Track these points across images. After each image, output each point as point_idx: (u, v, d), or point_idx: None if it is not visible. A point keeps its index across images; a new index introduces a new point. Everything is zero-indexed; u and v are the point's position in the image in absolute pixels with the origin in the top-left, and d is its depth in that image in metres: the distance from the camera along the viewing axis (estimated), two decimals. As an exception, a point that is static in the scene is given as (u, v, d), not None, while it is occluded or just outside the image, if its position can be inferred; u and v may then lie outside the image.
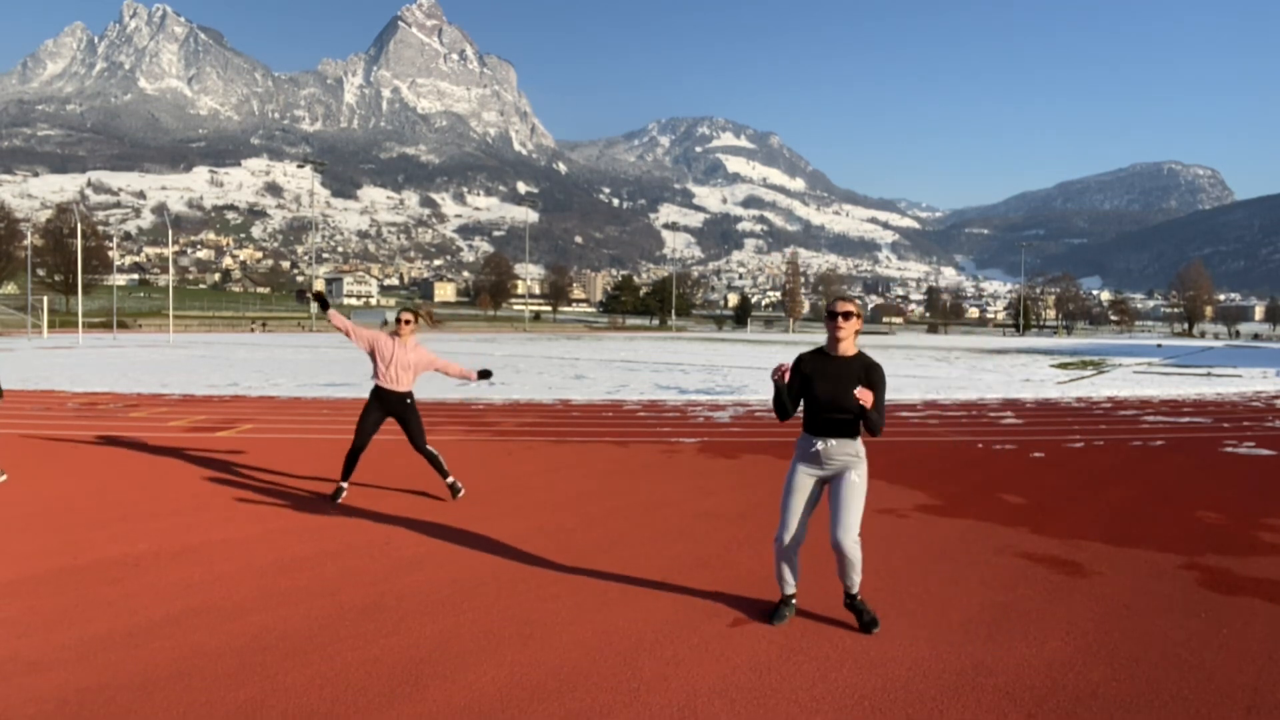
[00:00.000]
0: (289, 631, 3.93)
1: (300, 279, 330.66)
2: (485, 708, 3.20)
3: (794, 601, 4.28)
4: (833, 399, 4.00)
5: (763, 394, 16.40)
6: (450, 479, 6.77)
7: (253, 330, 70.12)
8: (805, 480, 4.17)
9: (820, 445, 4.08)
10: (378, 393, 6.73)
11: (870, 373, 4.02)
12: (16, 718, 3.08)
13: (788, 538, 4.13)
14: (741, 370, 23.91)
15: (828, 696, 3.33)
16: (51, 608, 4.21)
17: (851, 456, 4.08)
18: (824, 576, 4.81)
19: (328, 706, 3.20)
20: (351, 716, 3.13)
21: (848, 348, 4.09)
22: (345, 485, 6.80)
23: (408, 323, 6.72)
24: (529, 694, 3.32)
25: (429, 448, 6.74)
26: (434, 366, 6.77)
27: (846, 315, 4.06)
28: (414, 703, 3.23)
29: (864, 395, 3.85)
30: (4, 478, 7.19)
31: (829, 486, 4.16)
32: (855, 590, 4.17)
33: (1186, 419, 13.13)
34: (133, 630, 3.93)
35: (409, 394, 6.75)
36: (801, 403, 4.18)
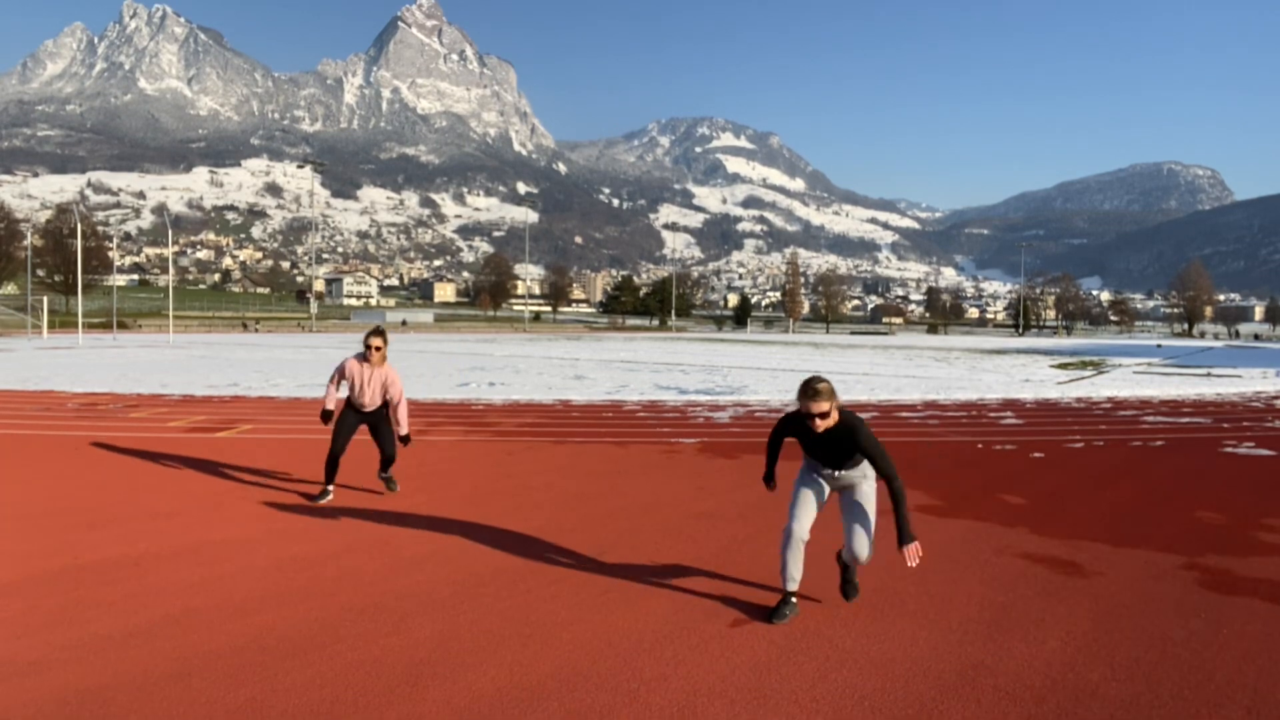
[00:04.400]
0: (289, 631, 3.93)
1: (300, 279, 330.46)
2: (485, 708, 3.20)
3: (795, 600, 4.25)
4: (832, 462, 4.17)
5: (762, 394, 16.41)
6: (388, 475, 6.94)
7: (253, 330, 70.11)
8: (816, 480, 4.30)
9: (827, 472, 4.26)
10: (351, 405, 6.85)
11: (856, 438, 4.00)
12: (16, 718, 3.08)
13: (796, 527, 4.18)
14: (741, 371, 23.90)
15: (828, 696, 3.32)
16: (51, 608, 4.21)
17: (859, 476, 4.23)
18: (823, 576, 4.81)
19: (328, 706, 3.20)
20: (351, 716, 3.13)
21: (829, 427, 4.06)
22: (330, 488, 6.84)
23: (378, 349, 6.72)
24: (529, 694, 3.32)
25: (393, 452, 6.85)
26: (393, 398, 6.81)
27: (824, 415, 3.98)
28: (414, 703, 3.23)
29: (910, 554, 3.98)
30: None
31: (839, 496, 4.32)
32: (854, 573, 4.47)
33: (1186, 419, 13.13)
34: (133, 630, 3.93)
35: (383, 405, 6.86)
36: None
